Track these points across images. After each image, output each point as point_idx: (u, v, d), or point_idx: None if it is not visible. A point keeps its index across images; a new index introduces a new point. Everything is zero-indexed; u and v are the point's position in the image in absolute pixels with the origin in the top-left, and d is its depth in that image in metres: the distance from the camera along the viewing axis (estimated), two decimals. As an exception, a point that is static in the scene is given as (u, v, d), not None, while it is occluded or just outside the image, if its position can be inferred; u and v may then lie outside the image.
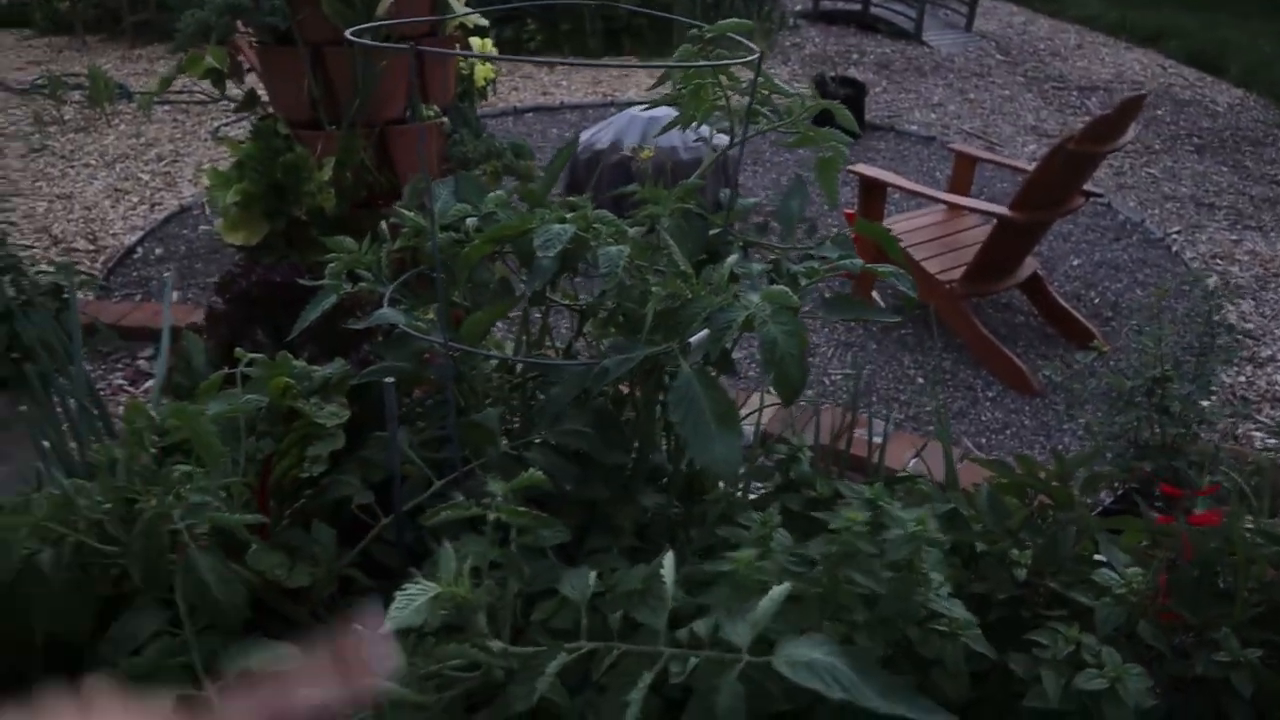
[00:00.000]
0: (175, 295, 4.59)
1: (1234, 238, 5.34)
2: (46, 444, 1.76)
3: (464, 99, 2.89)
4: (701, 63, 1.40)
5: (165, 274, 4.49)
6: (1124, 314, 4.65)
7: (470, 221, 1.47)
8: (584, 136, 5.20)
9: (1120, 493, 2.55)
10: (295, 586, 1.19)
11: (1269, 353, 4.38)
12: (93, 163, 5.72)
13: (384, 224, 1.55)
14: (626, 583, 1.08)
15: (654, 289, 1.18)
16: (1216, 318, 2.36)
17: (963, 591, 1.14)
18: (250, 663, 1.00)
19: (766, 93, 1.44)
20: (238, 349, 1.41)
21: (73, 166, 5.66)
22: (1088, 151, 3.76)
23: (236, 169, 2.62)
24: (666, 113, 5.62)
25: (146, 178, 5.55)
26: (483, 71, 3.03)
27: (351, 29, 1.24)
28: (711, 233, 1.47)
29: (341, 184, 2.61)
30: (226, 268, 4.66)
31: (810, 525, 1.29)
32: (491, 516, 0.95)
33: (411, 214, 1.48)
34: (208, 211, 5.23)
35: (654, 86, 1.68)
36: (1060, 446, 3.78)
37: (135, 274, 4.61)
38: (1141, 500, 2.37)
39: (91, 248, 4.80)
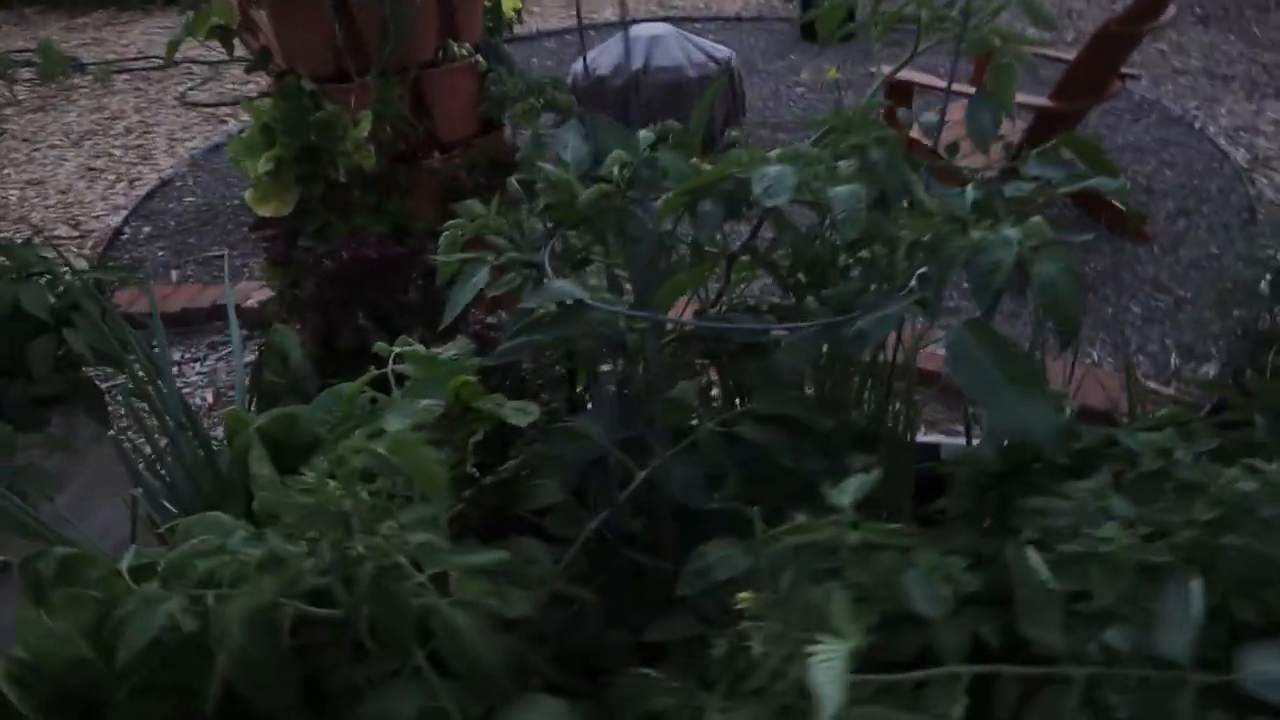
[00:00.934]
0: (174, 275, 4.34)
1: (1253, 108, 5.19)
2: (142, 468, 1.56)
3: (493, 33, 2.65)
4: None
5: (215, 255, 4.25)
6: (1158, 197, 4.51)
7: (616, 170, 1.28)
8: (579, 65, 4.94)
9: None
10: (514, 617, 1.03)
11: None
12: (59, 143, 5.38)
13: (512, 181, 1.36)
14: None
15: (902, 232, 1.01)
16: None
17: None
18: (524, 726, 0.84)
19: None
20: (378, 343, 1.22)
21: (38, 149, 5.31)
22: (1131, 32, 3.58)
23: (263, 134, 2.38)
24: (668, 30, 5.33)
25: (119, 153, 5.23)
26: (510, 1, 2.79)
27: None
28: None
29: (380, 139, 2.39)
30: (231, 241, 4.42)
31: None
32: (854, 539, 0.78)
33: (551, 167, 1.29)
34: (191, 182, 4.95)
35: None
36: (1120, 340, 3.67)
37: (127, 256, 4.35)
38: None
39: (75, 233, 4.52)
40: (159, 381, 1.49)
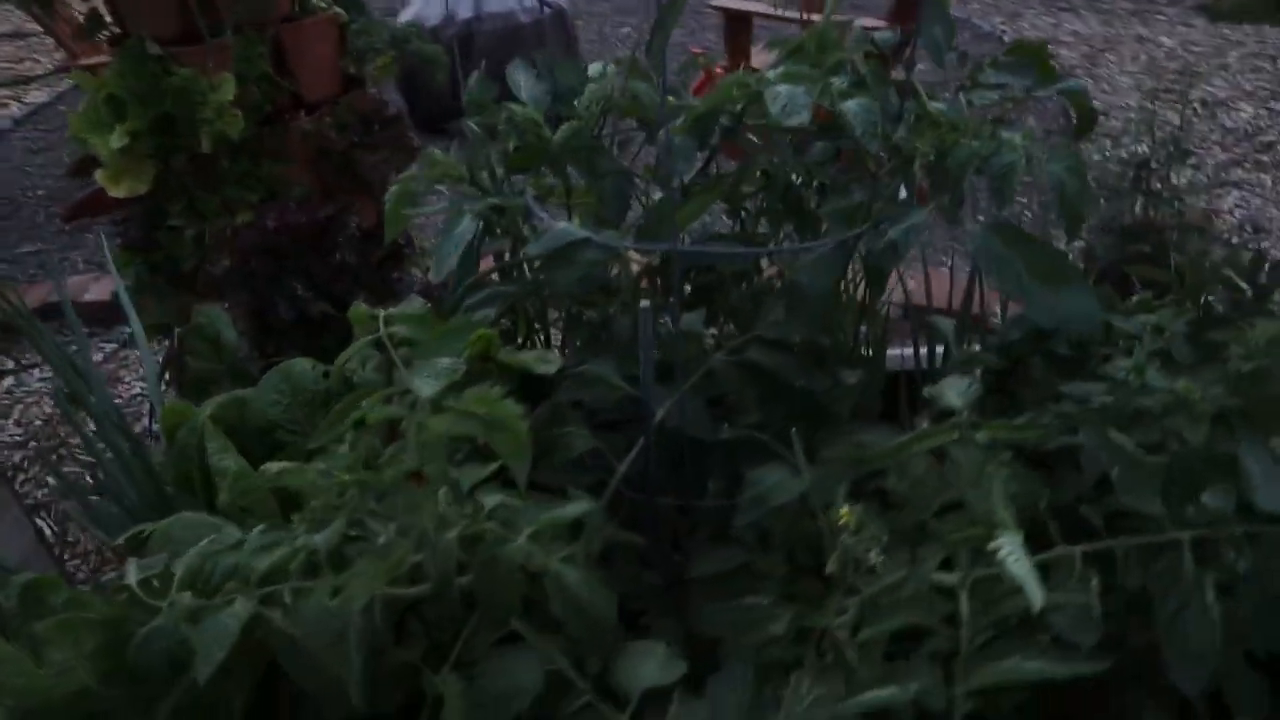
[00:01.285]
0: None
1: (1052, 21, 5.54)
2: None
3: (347, -19, 2.49)
4: None
5: (29, 251, 3.82)
6: (978, 110, 4.75)
7: (588, 107, 1.23)
8: (407, 15, 4.73)
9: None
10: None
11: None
12: None
13: (470, 124, 1.29)
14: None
15: (917, 145, 1.02)
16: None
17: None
18: (642, 676, 0.81)
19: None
20: (356, 307, 1.13)
21: None
22: (955, -50, 3.74)
23: (109, 106, 2.16)
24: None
25: (-113, 148, 4.66)
26: (362, -55, 2.61)
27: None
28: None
29: (247, 102, 2.21)
30: (43, 235, 4.01)
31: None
32: (982, 438, 0.78)
33: (518, 108, 1.23)
34: (-18, 172, 4.48)
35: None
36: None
37: (-79, 261, 3.90)
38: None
39: None
40: (83, 382, 1.35)
